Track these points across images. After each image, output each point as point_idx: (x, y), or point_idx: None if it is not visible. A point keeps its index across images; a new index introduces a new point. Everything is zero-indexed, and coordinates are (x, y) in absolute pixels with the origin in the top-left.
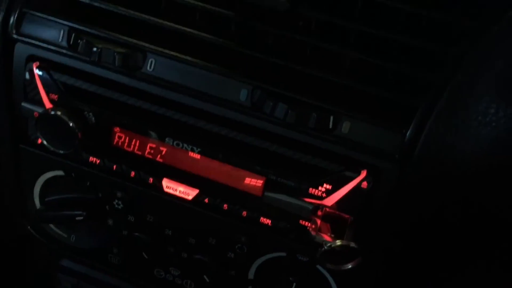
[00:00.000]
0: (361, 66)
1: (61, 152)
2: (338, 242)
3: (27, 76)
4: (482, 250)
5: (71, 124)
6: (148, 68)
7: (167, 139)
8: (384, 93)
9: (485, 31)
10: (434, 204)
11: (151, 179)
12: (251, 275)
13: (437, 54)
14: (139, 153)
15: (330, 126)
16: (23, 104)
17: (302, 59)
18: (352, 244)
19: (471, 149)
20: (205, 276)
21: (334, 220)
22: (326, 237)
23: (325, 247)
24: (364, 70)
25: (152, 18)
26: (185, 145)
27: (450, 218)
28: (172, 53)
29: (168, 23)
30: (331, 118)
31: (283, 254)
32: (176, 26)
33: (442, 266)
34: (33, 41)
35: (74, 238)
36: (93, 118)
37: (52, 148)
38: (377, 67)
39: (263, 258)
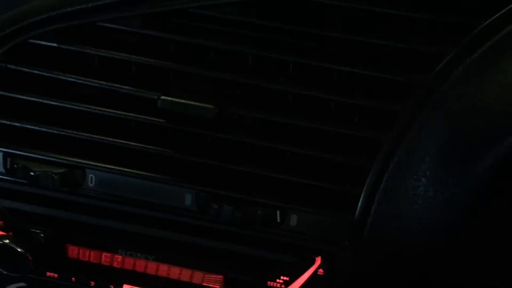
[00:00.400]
0: (299, 158)
1: (16, 275)
2: None
3: None
4: None
5: (20, 250)
6: (89, 184)
7: (120, 251)
8: (325, 183)
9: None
10: (392, 284)
11: (111, 287)
12: None
13: (371, 140)
14: (96, 262)
15: (278, 220)
16: None
17: (241, 157)
18: None
19: (414, 231)
20: None
21: None
22: None
23: None
24: (302, 161)
25: (85, 134)
26: (138, 254)
27: None
28: (109, 166)
29: (103, 137)
30: (278, 213)
31: None
32: (111, 139)
33: None
34: None
35: None
36: (43, 238)
37: (6, 272)
38: (314, 158)
39: None
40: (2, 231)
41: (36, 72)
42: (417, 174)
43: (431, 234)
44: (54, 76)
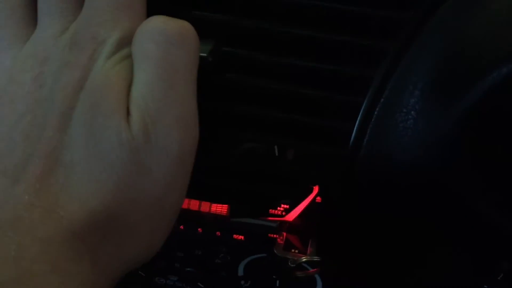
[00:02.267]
0: (292, 97)
1: None
2: (303, 258)
3: None
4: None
5: None
6: None
7: None
8: (318, 120)
9: (401, 52)
10: (382, 215)
11: None
12: (240, 272)
13: (361, 76)
14: None
15: (276, 154)
16: None
17: (240, 96)
18: (315, 258)
19: (404, 164)
20: (199, 283)
21: (299, 232)
22: (291, 254)
23: (290, 265)
24: (296, 100)
25: None
26: None
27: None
28: None
29: None
30: (275, 148)
31: (264, 255)
32: None
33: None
34: None
35: None
36: None
37: None
38: (307, 97)
39: (248, 259)
40: None
41: None
42: (407, 107)
43: (419, 167)
44: None
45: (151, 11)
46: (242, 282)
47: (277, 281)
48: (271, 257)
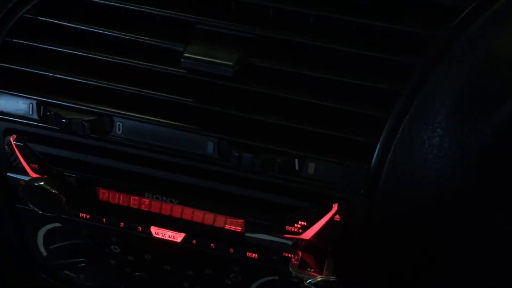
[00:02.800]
0: (317, 108)
1: (52, 215)
2: (319, 278)
3: (7, 149)
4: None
5: (54, 191)
6: (117, 131)
7: (146, 194)
8: (342, 133)
9: (432, 66)
10: (405, 232)
11: (139, 228)
12: None
13: (389, 91)
14: (125, 204)
15: (296, 168)
16: (9, 174)
17: (261, 106)
18: (332, 278)
19: (428, 182)
20: None
21: (315, 251)
22: (307, 273)
23: (306, 284)
24: (320, 111)
25: (114, 84)
26: (163, 198)
27: (422, 244)
28: (136, 115)
29: (130, 87)
30: (296, 161)
31: (276, 277)
32: (138, 89)
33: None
34: (6, 117)
35: (83, 278)
36: (75, 181)
37: (41, 212)
38: (332, 108)
39: (259, 282)
40: (38, 174)
41: (67, 24)
42: (433, 125)
43: (443, 184)
44: (85, 28)
45: None
46: None
47: None
48: (283, 280)
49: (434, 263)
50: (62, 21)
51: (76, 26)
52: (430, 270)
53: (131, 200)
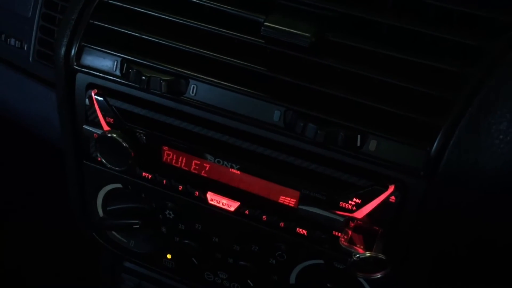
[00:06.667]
0: (385, 86)
1: (118, 169)
2: (367, 254)
3: (87, 102)
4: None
5: (125, 145)
6: (191, 93)
7: (209, 157)
8: (408, 112)
9: (505, 51)
10: (460, 218)
11: (196, 193)
12: (292, 280)
13: (459, 73)
14: (186, 168)
15: (358, 144)
16: (85, 126)
17: (330, 80)
18: (381, 256)
19: (494, 166)
20: (249, 281)
21: (365, 231)
22: (356, 248)
23: (355, 258)
24: (389, 89)
25: (193, 48)
26: (225, 162)
27: (476, 232)
28: (211, 79)
29: (207, 52)
30: (358, 137)
31: (321, 261)
32: (216, 54)
33: (469, 276)
34: (91, 71)
35: (133, 244)
36: (144, 139)
37: (109, 165)
38: (401, 88)
39: (303, 265)
40: (112, 127)
41: None
42: (502, 110)
43: (507, 171)
44: None
45: None
46: None
47: None
48: (328, 265)
49: (486, 255)
50: None
51: None
52: (481, 261)
53: (193, 164)
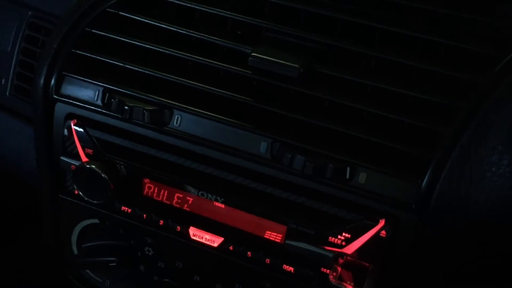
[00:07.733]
0: (375, 118)
1: (96, 202)
2: None
3: (66, 132)
4: None
5: (104, 176)
6: (174, 123)
7: (192, 190)
8: (398, 145)
9: (495, 84)
10: (453, 252)
11: (178, 228)
12: None
13: (449, 106)
14: (168, 202)
15: (347, 176)
16: (62, 158)
17: (319, 112)
18: None
19: (486, 198)
20: None
21: (355, 268)
22: (346, 286)
23: None
24: (378, 122)
25: (177, 77)
26: (209, 195)
27: (470, 266)
28: (196, 109)
29: (193, 82)
30: (348, 169)
31: None
32: (201, 84)
33: None
34: (71, 101)
35: (108, 283)
36: (125, 171)
37: (87, 198)
38: (390, 120)
39: None
40: (91, 159)
41: (143, 20)
42: (493, 142)
43: (499, 203)
44: (159, 25)
45: None
46: None
47: None
48: None
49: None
50: (140, 17)
51: (152, 22)
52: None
53: (175, 197)
